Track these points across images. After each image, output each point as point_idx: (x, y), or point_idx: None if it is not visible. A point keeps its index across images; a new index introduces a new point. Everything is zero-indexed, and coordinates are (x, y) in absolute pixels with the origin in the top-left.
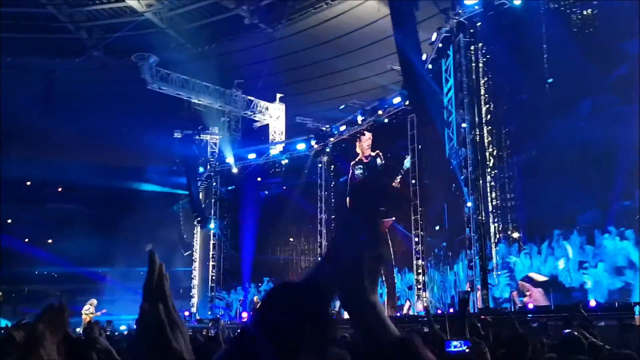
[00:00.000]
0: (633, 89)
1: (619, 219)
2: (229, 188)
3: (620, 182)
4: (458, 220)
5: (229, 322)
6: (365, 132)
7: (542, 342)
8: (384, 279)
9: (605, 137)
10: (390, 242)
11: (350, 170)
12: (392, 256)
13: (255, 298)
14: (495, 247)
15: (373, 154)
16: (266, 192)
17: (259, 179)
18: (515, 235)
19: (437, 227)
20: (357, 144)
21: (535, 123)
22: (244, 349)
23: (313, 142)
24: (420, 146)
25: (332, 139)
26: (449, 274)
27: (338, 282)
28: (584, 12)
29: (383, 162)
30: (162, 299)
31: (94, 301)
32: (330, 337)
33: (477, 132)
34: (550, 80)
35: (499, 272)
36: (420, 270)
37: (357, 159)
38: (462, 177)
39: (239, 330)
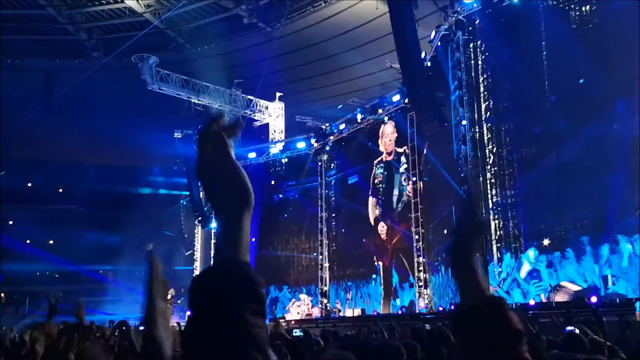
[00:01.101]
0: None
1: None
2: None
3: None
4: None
5: None
6: (387, 122)
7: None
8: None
9: (605, 135)
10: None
11: (373, 169)
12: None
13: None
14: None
15: (400, 149)
16: (266, 192)
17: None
18: (546, 242)
19: (445, 231)
20: (380, 140)
21: (535, 120)
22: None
23: (313, 141)
24: (427, 143)
25: (332, 137)
26: (450, 283)
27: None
28: (583, 9)
29: (406, 163)
30: (151, 298)
31: (173, 291)
32: (263, 296)
33: (477, 129)
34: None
35: (500, 269)
36: (421, 268)
37: (380, 158)
38: (462, 175)
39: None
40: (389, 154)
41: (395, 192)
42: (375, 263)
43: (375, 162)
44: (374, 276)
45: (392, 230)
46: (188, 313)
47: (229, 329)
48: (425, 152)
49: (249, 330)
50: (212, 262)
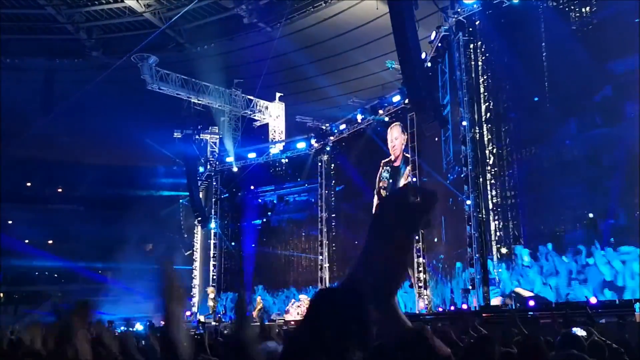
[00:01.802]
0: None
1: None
2: (229, 187)
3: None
4: (455, 234)
5: (229, 322)
6: (396, 124)
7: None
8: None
9: (605, 135)
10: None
11: (380, 169)
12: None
13: (258, 298)
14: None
15: (407, 155)
16: (266, 192)
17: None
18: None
19: (435, 239)
20: (389, 141)
21: (535, 120)
22: (296, 354)
23: (313, 141)
24: (421, 145)
25: (332, 138)
26: (445, 288)
27: (370, 286)
28: (583, 10)
29: (409, 174)
30: (169, 304)
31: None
32: (372, 334)
33: (477, 130)
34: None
35: (499, 270)
36: (421, 268)
37: (387, 159)
38: (463, 175)
39: (286, 337)
40: (396, 158)
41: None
42: None
43: (383, 162)
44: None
45: None
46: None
47: (333, 355)
48: (422, 154)
49: None
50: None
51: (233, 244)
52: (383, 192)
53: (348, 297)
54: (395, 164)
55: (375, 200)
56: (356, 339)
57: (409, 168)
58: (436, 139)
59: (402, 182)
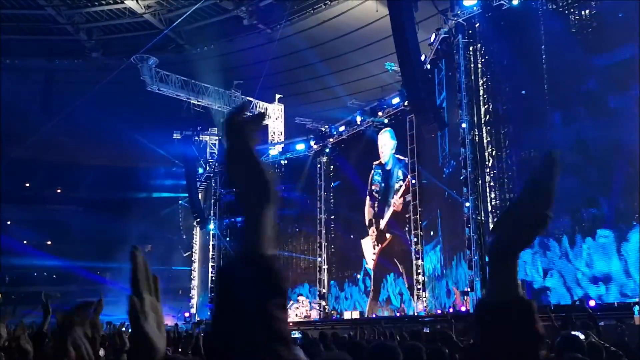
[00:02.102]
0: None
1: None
2: (229, 189)
3: (619, 182)
4: (451, 227)
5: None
6: (385, 131)
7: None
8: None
9: (605, 136)
10: None
11: (372, 171)
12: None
13: None
14: None
15: (400, 157)
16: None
17: None
18: None
19: (432, 233)
20: (379, 143)
21: (534, 123)
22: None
23: (312, 143)
24: (419, 146)
25: (331, 140)
26: (441, 282)
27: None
28: (583, 13)
29: (401, 178)
30: (137, 292)
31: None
32: (287, 291)
33: (476, 132)
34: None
35: None
36: (420, 271)
37: (377, 162)
38: (462, 177)
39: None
40: (386, 161)
41: (389, 201)
42: (366, 266)
43: (375, 164)
44: (358, 276)
45: (380, 237)
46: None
47: (255, 321)
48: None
49: (275, 324)
50: (235, 254)
51: (232, 245)
52: (375, 196)
53: (257, 259)
54: (387, 167)
55: (368, 200)
56: (277, 300)
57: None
58: (432, 135)
59: (394, 186)
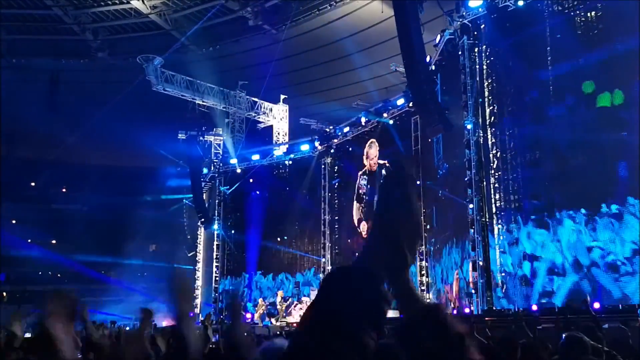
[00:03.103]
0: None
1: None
2: (233, 189)
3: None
4: (444, 221)
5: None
6: (372, 141)
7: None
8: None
9: (607, 139)
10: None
11: (358, 179)
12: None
13: (260, 300)
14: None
15: (381, 162)
16: (269, 194)
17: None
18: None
19: (428, 226)
20: (365, 154)
21: (540, 124)
22: (311, 333)
23: (317, 144)
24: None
25: (335, 140)
26: (436, 268)
27: (382, 261)
28: (588, 14)
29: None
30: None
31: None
32: (386, 313)
33: (481, 134)
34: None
35: (502, 273)
36: (424, 272)
37: (364, 169)
38: (467, 179)
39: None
40: (371, 166)
41: (376, 198)
42: None
43: (360, 173)
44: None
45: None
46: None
47: (349, 337)
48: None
49: (359, 349)
50: (360, 262)
51: (236, 245)
52: (363, 197)
53: (361, 275)
54: (372, 169)
55: (355, 204)
56: (371, 319)
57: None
58: (436, 136)
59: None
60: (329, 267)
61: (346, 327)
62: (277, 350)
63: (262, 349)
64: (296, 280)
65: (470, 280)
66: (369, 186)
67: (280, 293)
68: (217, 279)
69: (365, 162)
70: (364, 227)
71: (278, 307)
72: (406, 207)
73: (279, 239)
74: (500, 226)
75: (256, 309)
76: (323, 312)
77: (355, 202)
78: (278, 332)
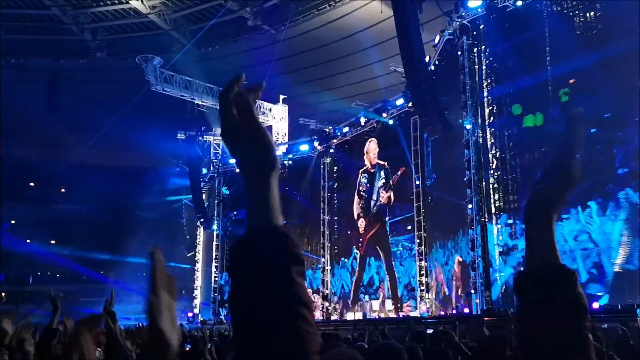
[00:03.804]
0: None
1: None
2: (232, 189)
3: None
4: (433, 223)
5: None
6: (372, 139)
7: None
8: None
9: (606, 139)
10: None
11: (359, 176)
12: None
13: None
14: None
15: (380, 162)
16: None
17: None
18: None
19: (409, 227)
20: (365, 152)
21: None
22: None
23: (316, 144)
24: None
25: (335, 141)
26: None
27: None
28: (587, 15)
29: (386, 177)
30: (155, 291)
31: None
32: (302, 258)
33: (480, 134)
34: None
35: (502, 273)
36: (423, 272)
37: (364, 168)
38: (466, 179)
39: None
40: (372, 166)
41: (374, 197)
42: (355, 251)
43: (361, 171)
44: (344, 260)
45: (369, 226)
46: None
47: (277, 290)
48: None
49: (296, 290)
50: (246, 227)
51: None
52: (363, 194)
53: (268, 232)
54: (371, 170)
55: (356, 198)
56: (296, 268)
57: (383, 178)
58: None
59: (378, 184)
60: (328, 267)
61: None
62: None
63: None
64: None
65: (455, 278)
66: (368, 185)
67: None
68: (216, 279)
69: (365, 159)
70: (361, 224)
71: None
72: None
73: None
74: (499, 226)
75: None
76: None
77: (356, 196)
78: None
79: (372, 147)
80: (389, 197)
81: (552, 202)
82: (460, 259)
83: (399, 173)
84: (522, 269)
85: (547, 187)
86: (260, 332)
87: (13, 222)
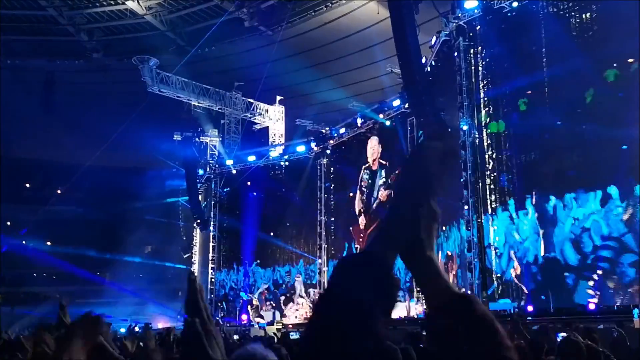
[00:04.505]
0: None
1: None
2: (229, 190)
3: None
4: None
5: (228, 324)
6: (373, 137)
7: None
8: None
9: (605, 138)
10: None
11: (361, 172)
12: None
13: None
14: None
15: (383, 161)
16: (265, 195)
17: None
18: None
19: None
20: (368, 150)
21: (535, 125)
22: (323, 319)
23: (313, 145)
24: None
25: (331, 142)
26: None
27: (397, 240)
28: (583, 16)
29: (386, 176)
30: (198, 313)
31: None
32: (396, 296)
33: (477, 135)
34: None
35: (499, 275)
36: None
37: (366, 165)
38: (462, 180)
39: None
40: (373, 163)
41: (374, 194)
42: (355, 245)
43: (363, 167)
44: (338, 256)
45: (369, 223)
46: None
47: (359, 324)
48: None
49: (373, 331)
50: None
51: (232, 246)
52: (364, 190)
53: (369, 259)
54: (374, 168)
55: (358, 194)
56: (380, 302)
57: (383, 177)
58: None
59: (379, 182)
60: (325, 268)
61: (359, 313)
62: (249, 357)
63: (236, 355)
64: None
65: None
66: (369, 181)
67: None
68: (212, 280)
69: (368, 156)
70: (362, 221)
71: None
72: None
73: (274, 240)
74: (495, 227)
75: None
76: (336, 299)
77: (358, 192)
78: (274, 333)
79: (374, 144)
80: (388, 196)
81: (429, 241)
82: (449, 252)
83: (397, 172)
84: (424, 311)
85: (419, 230)
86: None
87: (9, 223)
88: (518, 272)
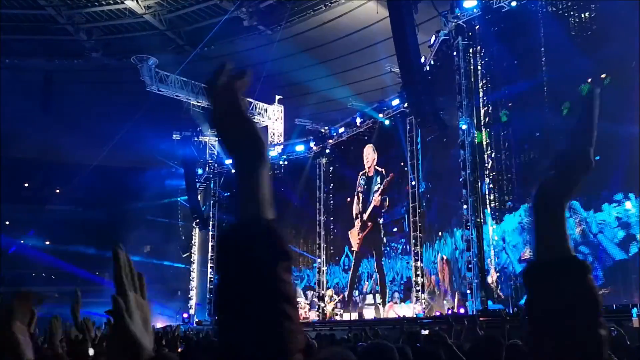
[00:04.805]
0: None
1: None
2: (228, 190)
3: (616, 186)
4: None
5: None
6: (369, 145)
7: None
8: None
9: (604, 137)
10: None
11: (358, 178)
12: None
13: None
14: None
15: (379, 168)
16: None
17: None
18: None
19: (395, 229)
20: (364, 157)
21: (534, 125)
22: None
23: (312, 144)
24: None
25: (331, 141)
26: (402, 262)
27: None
28: (582, 15)
29: (381, 183)
30: (122, 290)
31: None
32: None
33: (476, 134)
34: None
35: (498, 274)
36: (419, 272)
37: (363, 171)
38: (461, 179)
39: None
40: (369, 169)
41: (369, 199)
42: (349, 250)
43: (360, 173)
44: (338, 259)
45: (364, 226)
46: (214, 276)
47: (262, 286)
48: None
49: (282, 287)
50: (234, 219)
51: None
52: (361, 195)
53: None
54: (369, 174)
55: (355, 200)
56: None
57: (378, 184)
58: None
59: (374, 188)
60: (324, 268)
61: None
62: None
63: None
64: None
65: (441, 277)
66: (365, 187)
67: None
68: (212, 279)
69: (365, 163)
70: (358, 224)
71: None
72: None
73: None
74: (494, 226)
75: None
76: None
77: (356, 197)
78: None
79: (369, 153)
80: (382, 200)
81: (565, 190)
82: (446, 257)
83: (388, 178)
84: (531, 260)
85: (559, 174)
86: (243, 328)
87: (7, 222)
88: (517, 271)
